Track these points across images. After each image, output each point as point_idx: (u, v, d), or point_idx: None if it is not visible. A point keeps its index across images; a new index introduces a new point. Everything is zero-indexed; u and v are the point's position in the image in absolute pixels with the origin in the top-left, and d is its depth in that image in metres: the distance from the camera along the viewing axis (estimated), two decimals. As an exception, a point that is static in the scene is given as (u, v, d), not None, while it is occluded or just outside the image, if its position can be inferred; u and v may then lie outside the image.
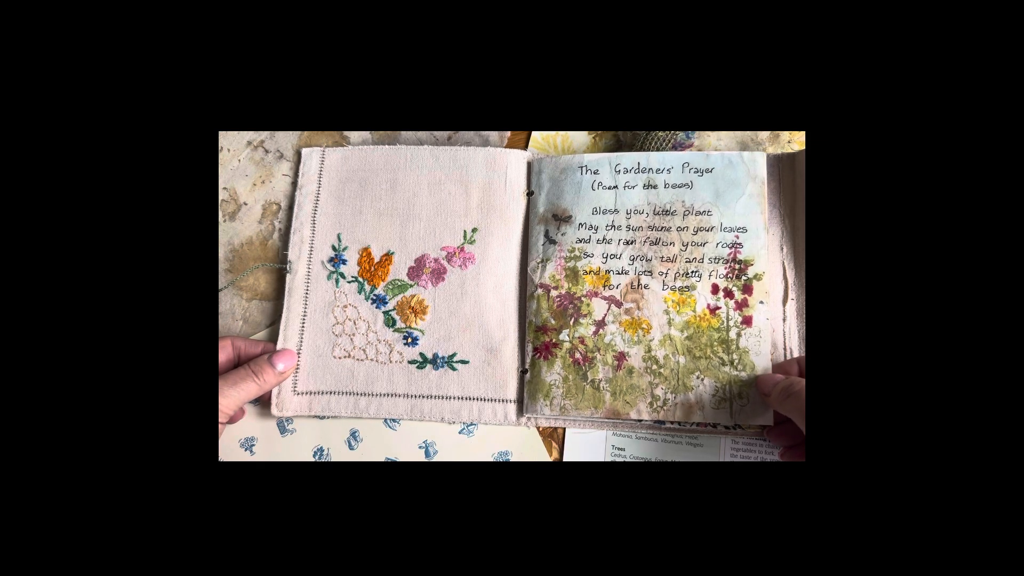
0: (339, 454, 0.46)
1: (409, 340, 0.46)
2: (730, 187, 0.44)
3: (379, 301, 0.47)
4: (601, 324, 0.44)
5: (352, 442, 0.46)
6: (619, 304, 0.44)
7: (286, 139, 0.52)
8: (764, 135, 0.50)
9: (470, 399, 0.45)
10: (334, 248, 0.48)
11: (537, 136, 0.51)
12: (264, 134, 0.52)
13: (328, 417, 0.46)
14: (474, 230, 0.48)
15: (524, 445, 0.45)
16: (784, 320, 0.44)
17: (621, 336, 0.43)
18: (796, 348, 0.44)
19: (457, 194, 0.48)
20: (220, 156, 0.52)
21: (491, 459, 0.45)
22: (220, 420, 0.40)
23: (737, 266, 0.44)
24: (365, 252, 0.48)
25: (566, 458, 0.45)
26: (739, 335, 0.42)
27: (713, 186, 0.45)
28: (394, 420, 0.46)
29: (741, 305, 0.43)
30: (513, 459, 0.45)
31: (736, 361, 0.42)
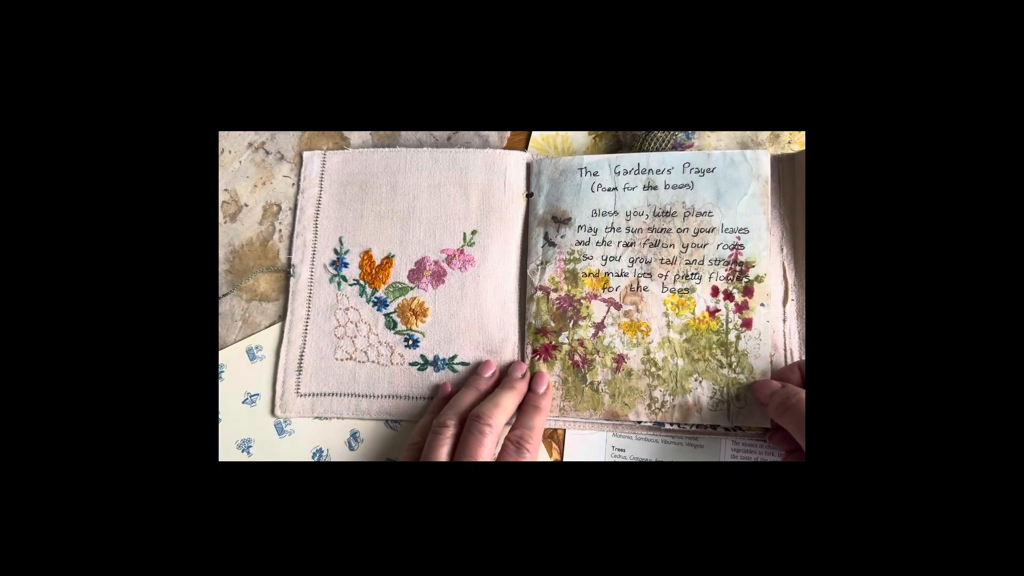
0: (339, 455, 0.46)
1: (410, 342, 0.46)
2: (732, 187, 0.44)
3: (380, 303, 0.47)
4: (600, 326, 0.44)
5: (352, 443, 0.46)
6: (618, 306, 0.44)
7: (286, 140, 0.52)
8: (764, 135, 0.49)
9: (471, 400, 0.45)
10: (336, 251, 0.49)
11: (537, 136, 0.51)
12: (264, 135, 0.52)
13: (327, 418, 0.46)
14: (474, 232, 0.48)
15: (525, 446, 0.45)
16: (784, 321, 0.44)
17: (620, 338, 0.43)
18: (796, 349, 0.44)
19: (457, 196, 0.48)
20: (221, 158, 0.52)
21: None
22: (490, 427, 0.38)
23: (738, 268, 0.43)
24: (366, 255, 0.48)
25: (566, 459, 0.45)
26: (738, 338, 0.42)
27: (714, 186, 0.45)
28: (395, 421, 0.46)
29: (741, 308, 0.43)
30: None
31: (735, 364, 0.42)
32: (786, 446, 0.41)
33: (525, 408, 0.41)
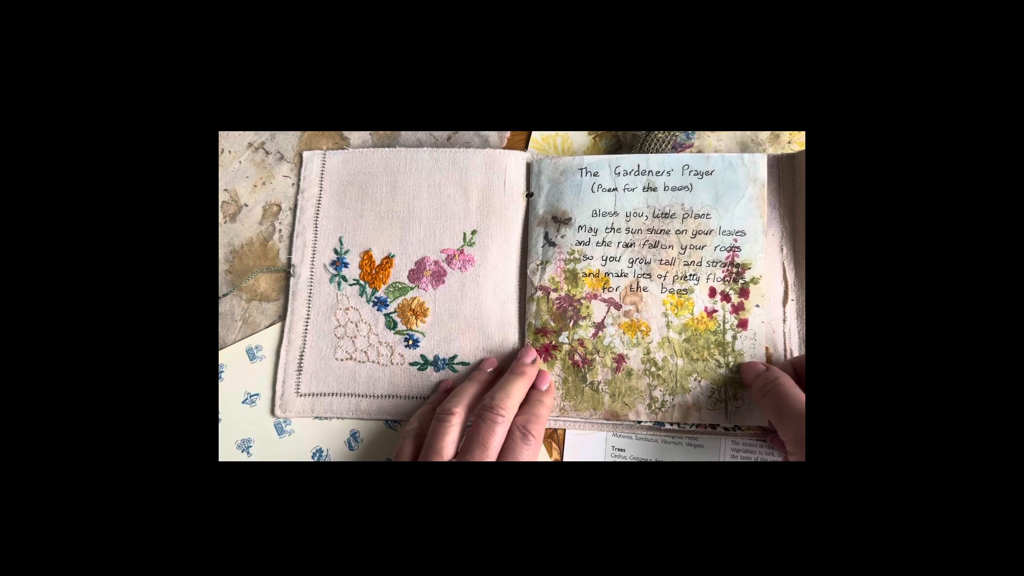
0: (338, 455, 0.46)
1: (410, 342, 0.47)
2: (730, 190, 0.44)
3: (380, 303, 0.47)
4: (600, 326, 0.44)
5: (352, 443, 0.46)
6: (618, 306, 0.44)
7: (286, 140, 0.52)
8: (764, 135, 0.50)
9: (471, 400, 0.45)
10: (336, 251, 0.49)
11: (537, 136, 0.51)
12: (264, 135, 0.53)
13: (327, 418, 0.46)
14: (473, 232, 0.48)
15: (524, 445, 0.45)
16: (784, 321, 0.44)
17: (620, 338, 0.44)
18: (796, 349, 0.44)
19: (456, 196, 0.48)
20: (221, 158, 0.52)
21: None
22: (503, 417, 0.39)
23: (735, 269, 0.44)
24: (366, 255, 0.48)
25: (566, 459, 0.45)
26: (735, 338, 0.43)
27: (713, 189, 0.45)
28: (395, 421, 0.46)
29: (737, 308, 0.43)
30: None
31: (731, 364, 0.42)
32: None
33: (530, 399, 0.41)
